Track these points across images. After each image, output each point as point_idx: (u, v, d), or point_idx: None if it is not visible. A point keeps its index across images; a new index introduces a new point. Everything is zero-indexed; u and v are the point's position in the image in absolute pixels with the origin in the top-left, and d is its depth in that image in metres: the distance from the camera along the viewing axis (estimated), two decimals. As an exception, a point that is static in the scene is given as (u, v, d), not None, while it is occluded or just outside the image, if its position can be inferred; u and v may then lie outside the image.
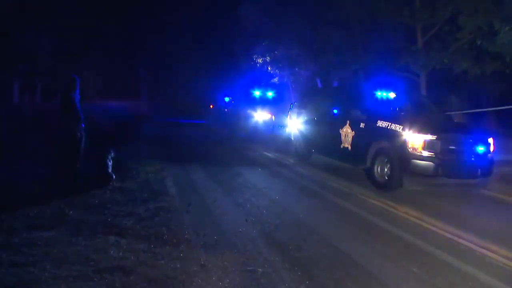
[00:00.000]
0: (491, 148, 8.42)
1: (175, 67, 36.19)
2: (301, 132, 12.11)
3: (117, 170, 7.91)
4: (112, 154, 7.91)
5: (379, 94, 9.99)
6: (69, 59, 24.08)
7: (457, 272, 4.49)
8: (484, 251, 5.11)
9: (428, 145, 7.77)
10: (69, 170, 7.08)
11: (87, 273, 3.94)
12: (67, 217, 5.57)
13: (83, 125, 7.09)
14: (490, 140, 8.42)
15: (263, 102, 19.18)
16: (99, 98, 28.85)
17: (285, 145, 14.04)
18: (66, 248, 4.50)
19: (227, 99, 23.08)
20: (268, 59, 22.72)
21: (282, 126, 16.36)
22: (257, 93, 20.10)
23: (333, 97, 11.46)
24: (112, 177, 7.53)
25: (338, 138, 9.82)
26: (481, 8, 12.49)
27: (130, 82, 36.87)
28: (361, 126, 9.21)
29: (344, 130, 9.67)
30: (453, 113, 15.29)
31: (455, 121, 12.41)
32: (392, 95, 9.94)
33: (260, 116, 18.23)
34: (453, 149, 7.92)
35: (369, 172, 8.80)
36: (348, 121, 9.59)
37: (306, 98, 12.99)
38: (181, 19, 33.14)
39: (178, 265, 4.25)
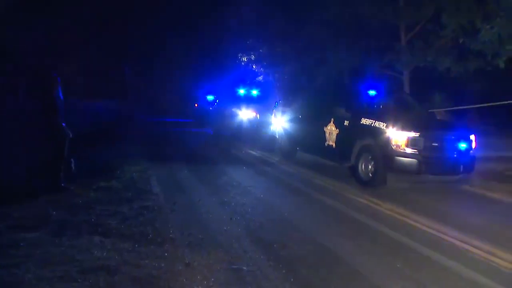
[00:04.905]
0: (473, 145, 8.55)
1: (160, 66, 36.02)
2: (285, 130, 12.11)
3: (102, 170, 7.85)
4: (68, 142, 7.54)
5: (363, 92, 10.06)
6: (52, 57, 23.79)
7: (440, 267, 4.55)
8: (466, 246, 5.17)
9: (411, 142, 7.87)
10: (52, 170, 7.00)
11: (71, 274, 3.91)
12: (51, 217, 5.51)
13: (64, 124, 6.97)
14: (472, 137, 8.55)
15: (248, 100, 19.07)
16: (84, 97, 28.48)
17: (270, 143, 14.01)
18: (50, 249, 4.45)
19: (211, 97, 22.96)
20: (252, 57, 22.77)
21: (267, 124, 16.34)
22: (241, 91, 20.01)
23: (317, 95, 11.51)
24: (71, 162, 7.34)
25: (322, 136, 9.86)
26: (463, 7, 12.63)
27: (116, 81, 36.54)
28: (345, 124, 9.26)
29: (329, 128, 9.71)
30: (436, 110, 15.45)
31: (438, 118, 12.54)
32: (375, 93, 10.00)
33: (245, 114, 18.14)
34: (436, 146, 8.03)
35: (354, 170, 8.86)
36: (332, 119, 9.63)
37: (290, 96, 13.03)
38: (165, 17, 32.95)
39: (163, 264, 4.24)
